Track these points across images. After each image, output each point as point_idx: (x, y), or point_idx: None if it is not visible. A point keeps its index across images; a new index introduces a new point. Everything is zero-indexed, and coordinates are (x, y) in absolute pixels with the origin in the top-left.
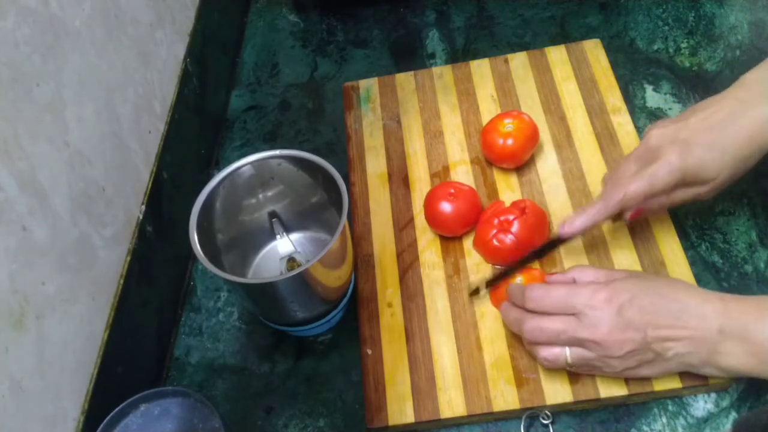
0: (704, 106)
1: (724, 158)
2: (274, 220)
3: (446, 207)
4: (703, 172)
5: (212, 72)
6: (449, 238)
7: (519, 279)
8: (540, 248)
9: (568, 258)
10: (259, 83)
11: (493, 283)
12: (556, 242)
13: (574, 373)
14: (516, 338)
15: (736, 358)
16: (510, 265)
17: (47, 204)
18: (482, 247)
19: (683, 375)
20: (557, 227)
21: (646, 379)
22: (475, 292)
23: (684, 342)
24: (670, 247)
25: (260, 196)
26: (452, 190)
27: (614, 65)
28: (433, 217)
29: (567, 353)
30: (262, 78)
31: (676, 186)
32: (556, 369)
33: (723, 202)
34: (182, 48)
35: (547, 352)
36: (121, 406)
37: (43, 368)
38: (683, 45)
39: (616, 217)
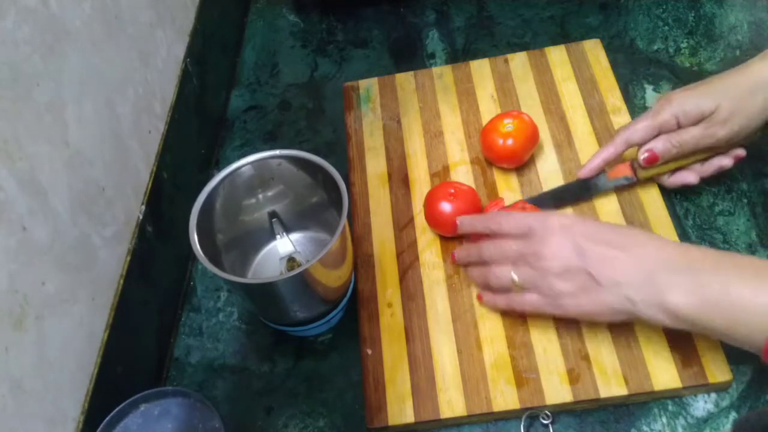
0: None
1: (722, 94)
2: (274, 220)
3: (446, 207)
4: (702, 104)
5: (212, 72)
6: (449, 238)
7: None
8: (559, 190)
9: None
10: (259, 83)
11: None
12: (576, 186)
13: (574, 373)
14: (516, 338)
15: (682, 295)
16: (539, 196)
17: (47, 204)
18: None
19: (683, 375)
20: None
21: (646, 379)
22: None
23: (623, 267)
24: None
25: (260, 196)
26: (452, 190)
27: (614, 65)
28: (433, 217)
29: (513, 273)
30: (262, 78)
31: (678, 122)
32: (504, 291)
33: (723, 202)
34: (182, 48)
35: (494, 270)
36: (121, 406)
37: (43, 368)
38: (683, 45)
39: (642, 173)
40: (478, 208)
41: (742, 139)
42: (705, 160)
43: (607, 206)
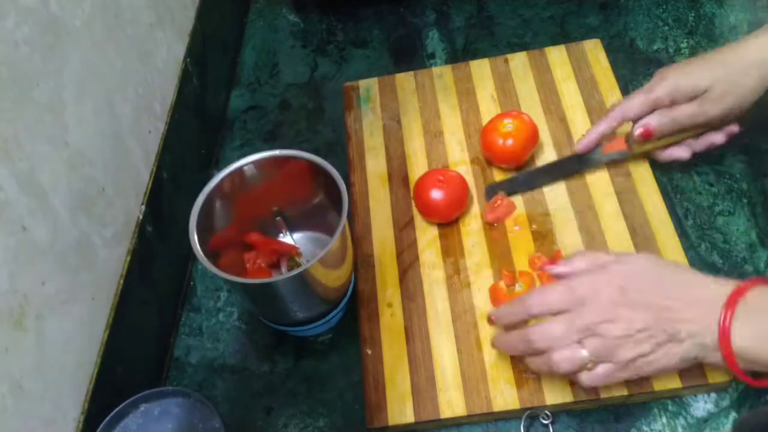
0: None
1: (716, 72)
2: (278, 218)
3: (437, 194)
4: (696, 82)
5: (212, 72)
6: (449, 239)
7: (519, 285)
8: (555, 164)
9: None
10: (259, 83)
11: (511, 189)
12: (570, 161)
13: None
14: None
15: (749, 340)
16: (527, 173)
17: (47, 204)
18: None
19: (683, 375)
20: (557, 230)
21: (647, 379)
22: (489, 195)
23: (695, 320)
24: (671, 248)
25: (260, 196)
26: (441, 177)
27: (614, 65)
28: (425, 205)
29: (582, 349)
30: (262, 78)
31: (672, 99)
32: (577, 371)
33: (723, 202)
34: (182, 48)
35: (560, 354)
36: (121, 406)
37: (43, 368)
38: (683, 45)
39: (636, 148)
40: (466, 193)
41: (735, 116)
42: (698, 135)
43: (607, 207)
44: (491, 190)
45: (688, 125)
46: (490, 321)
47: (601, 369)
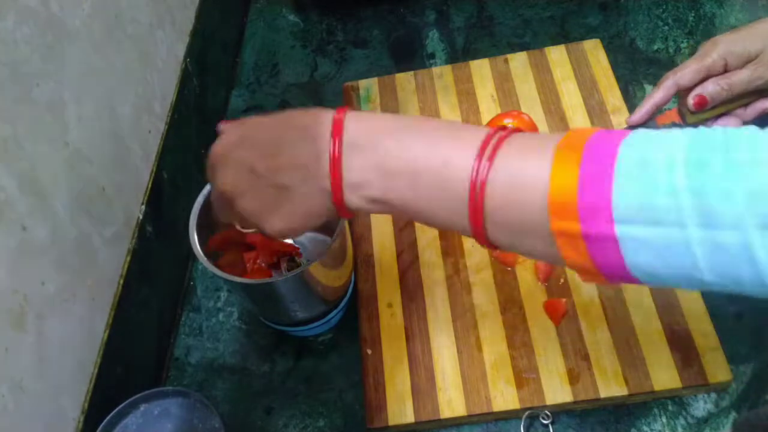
0: None
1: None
2: None
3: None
4: (749, 46)
5: (212, 72)
6: (449, 239)
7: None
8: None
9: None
10: (259, 83)
11: None
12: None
13: (574, 373)
14: (516, 338)
15: (359, 173)
16: None
17: (47, 204)
18: None
19: (683, 375)
20: None
21: (646, 379)
22: None
23: (298, 165)
24: None
25: None
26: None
27: (614, 65)
28: None
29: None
30: (262, 78)
31: (726, 64)
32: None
33: None
34: (182, 48)
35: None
36: (121, 406)
37: (43, 368)
38: (683, 45)
39: (689, 118)
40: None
41: None
42: (748, 104)
43: None
44: None
45: (742, 91)
46: None
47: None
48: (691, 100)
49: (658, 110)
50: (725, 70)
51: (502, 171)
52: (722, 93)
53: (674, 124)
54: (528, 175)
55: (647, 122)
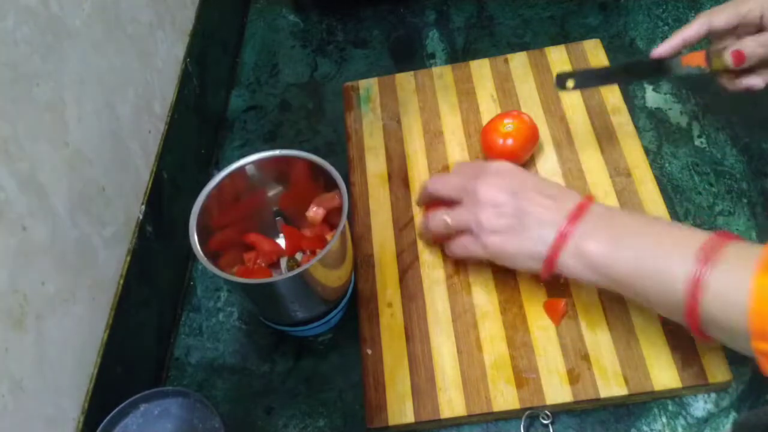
0: None
1: None
2: (278, 218)
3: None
4: None
5: (212, 72)
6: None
7: (508, 121)
8: (631, 64)
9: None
10: (259, 83)
11: (582, 83)
12: (648, 64)
13: (574, 373)
14: (516, 338)
15: (597, 243)
16: (601, 69)
17: (47, 204)
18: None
19: (683, 375)
20: None
21: (646, 379)
22: (560, 83)
23: (550, 212)
24: None
25: (260, 196)
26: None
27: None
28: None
29: (446, 215)
30: (262, 78)
31: (762, 17)
32: (437, 235)
33: (723, 202)
34: (182, 48)
35: (432, 215)
36: (121, 406)
37: (43, 368)
38: None
39: (716, 63)
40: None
41: None
42: None
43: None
44: (562, 79)
45: None
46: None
47: (462, 238)
48: (729, 57)
49: (685, 48)
50: (760, 22)
51: (713, 283)
52: (759, 50)
53: (699, 69)
54: (731, 292)
55: (672, 58)
